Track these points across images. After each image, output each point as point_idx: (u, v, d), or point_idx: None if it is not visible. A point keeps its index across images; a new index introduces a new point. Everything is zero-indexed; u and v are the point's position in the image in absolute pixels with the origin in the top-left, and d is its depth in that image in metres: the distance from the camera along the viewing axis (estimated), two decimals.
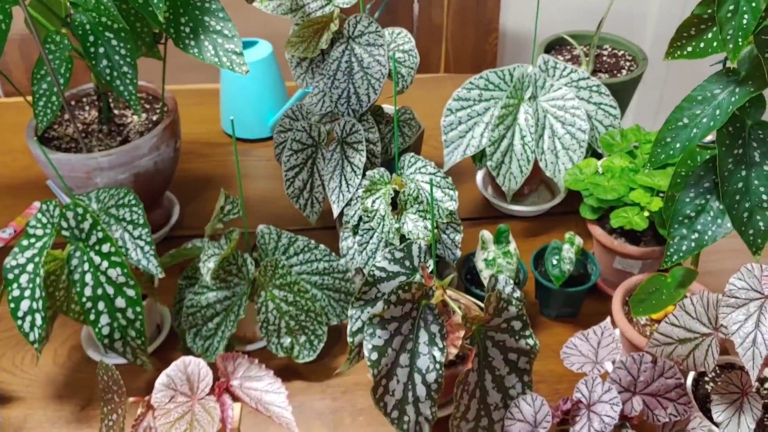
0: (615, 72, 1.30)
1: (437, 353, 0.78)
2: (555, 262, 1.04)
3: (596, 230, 1.07)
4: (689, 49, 0.79)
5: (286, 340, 1.00)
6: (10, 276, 0.90)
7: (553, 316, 1.10)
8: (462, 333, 0.79)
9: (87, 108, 1.20)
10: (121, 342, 0.91)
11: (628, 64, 1.32)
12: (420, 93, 1.45)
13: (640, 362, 0.81)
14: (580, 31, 1.37)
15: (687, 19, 0.78)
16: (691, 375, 0.89)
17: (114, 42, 0.94)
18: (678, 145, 0.79)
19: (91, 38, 0.94)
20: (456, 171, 1.35)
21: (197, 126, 1.49)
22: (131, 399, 0.85)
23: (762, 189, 0.77)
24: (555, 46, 1.37)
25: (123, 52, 0.95)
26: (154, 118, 1.18)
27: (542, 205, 1.27)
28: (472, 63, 1.90)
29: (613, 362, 0.83)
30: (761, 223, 0.78)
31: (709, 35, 0.77)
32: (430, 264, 0.85)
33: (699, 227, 0.82)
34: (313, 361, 1.02)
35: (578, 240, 1.06)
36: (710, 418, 0.83)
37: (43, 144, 1.11)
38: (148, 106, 1.20)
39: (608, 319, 0.89)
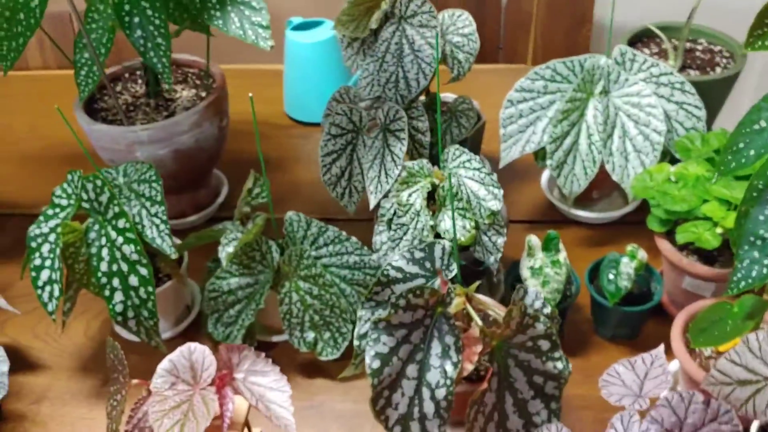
0: (708, 69, 1.15)
1: (449, 368, 0.69)
2: (611, 277, 0.92)
3: (664, 245, 0.94)
4: None
5: (310, 335, 0.94)
6: (33, 244, 0.89)
7: (608, 336, 0.99)
8: (479, 348, 0.70)
9: (139, 82, 1.18)
10: (134, 321, 0.88)
11: (724, 61, 1.17)
12: (497, 83, 1.35)
13: (689, 402, 0.69)
14: (673, 21, 1.23)
15: None
16: (756, 425, 0.76)
17: (149, 12, 0.91)
18: (752, 153, 0.67)
19: (127, 7, 0.91)
20: (520, 169, 1.25)
21: (260, 106, 1.45)
22: (134, 381, 0.82)
23: None
24: (642, 38, 1.23)
25: (157, 22, 0.91)
26: (203, 94, 1.14)
27: (612, 212, 1.15)
28: (563, 55, 1.76)
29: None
30: None
31: None
32: (454, 268, 0.76)
33: None
34: (340, 360, 0.96)
35: (641, 254, 0.94)
36: None
37: (91, 115, 1.10)
38: (198, 82, 1.17)
39: (661, 346, 0.77)
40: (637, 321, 0.96)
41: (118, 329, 1.04)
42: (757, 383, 0.67)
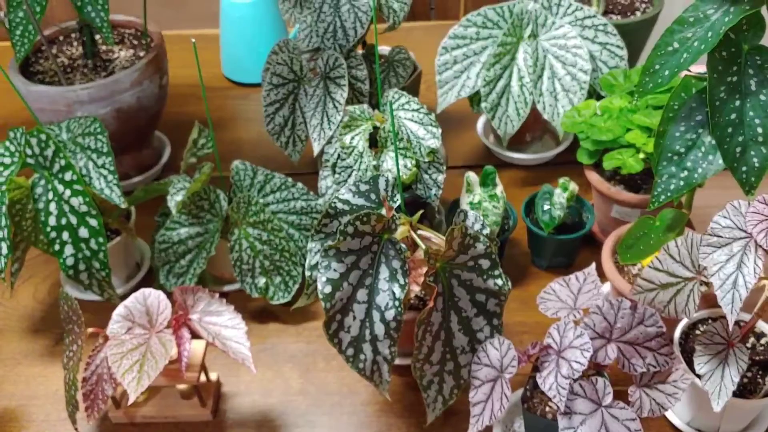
0: (628, 13, 1.21)
1: (397, 290, 0.73)
2: (546, 207, 0.98)
3: (592, 176, 1.00)
4: None
5: (261, 281, 0.97)
6: None
7: (544, 266, 1.05)
8: (424, 269, 0.74)
9: (75, 44, 1.17)
10: (86, 274, 0.89)
11: (643, 6, 1.23)
12: (431, 37, 1.39)
13: (618, 308, 0.75)
14: None
15: None
16: (681, 326, 0.83)
17: None
18: (667, 72, 0.72)
19: None
20: (457, 118, 1.30)
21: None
22: (90, 330, 0.84)
23: (757, 121, 0.70)
24: None
25: None
26: (141, 54, 1.14)
27: (544, 153, 1.21)
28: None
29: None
30: (755, 159, 0.71)
31: None
32: (398, 199, 0.80)
33: (689, 164, 0.75)
34: (290, 304, 0.99)
35: (572, 186, 0.99)
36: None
37: (28, 78, 1.09)
38: (136, 42, 1.17)
39: (593, 265, 0.83)
40: (571, 249, 1.02)
41: (68, 289, 1.05)
42: (678, 284, 0.73)
